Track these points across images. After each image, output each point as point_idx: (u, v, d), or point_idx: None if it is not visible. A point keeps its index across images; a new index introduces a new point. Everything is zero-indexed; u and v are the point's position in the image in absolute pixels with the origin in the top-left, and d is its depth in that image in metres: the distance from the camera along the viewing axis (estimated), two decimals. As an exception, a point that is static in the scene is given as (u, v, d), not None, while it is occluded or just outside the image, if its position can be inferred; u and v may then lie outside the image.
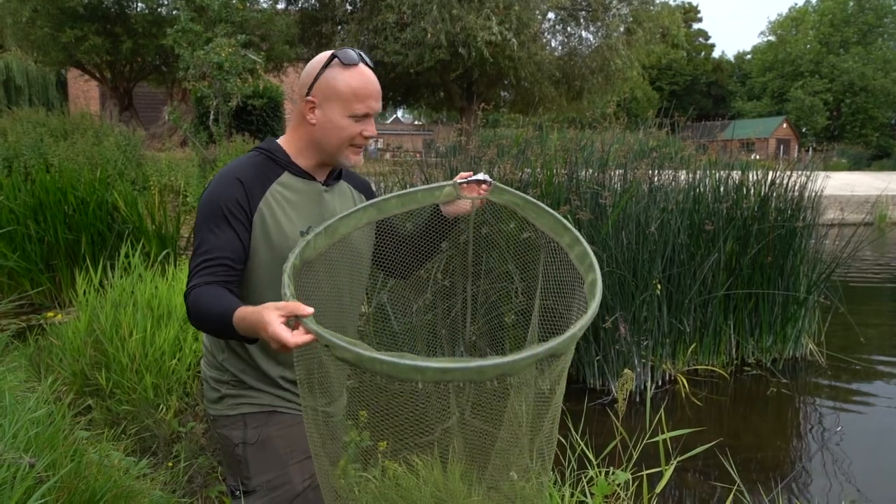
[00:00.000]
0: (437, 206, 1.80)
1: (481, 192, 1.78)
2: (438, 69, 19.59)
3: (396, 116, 60.23)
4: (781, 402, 4.89)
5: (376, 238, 1.82)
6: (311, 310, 1.21)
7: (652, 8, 22.70)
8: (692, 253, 5.22)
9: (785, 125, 46.06)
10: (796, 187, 5.79)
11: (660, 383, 5.09)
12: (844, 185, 17.55)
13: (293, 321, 1.22)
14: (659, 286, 4.82)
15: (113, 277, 3.97)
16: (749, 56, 59.62)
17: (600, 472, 2.39)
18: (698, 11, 59.46)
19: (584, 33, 22.70)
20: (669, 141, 7.10)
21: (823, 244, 5.90)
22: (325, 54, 1.62)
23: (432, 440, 1.35)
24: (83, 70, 19.03)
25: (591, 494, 2.35)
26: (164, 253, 5.61)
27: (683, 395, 4.85)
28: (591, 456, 2.47)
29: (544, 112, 20.44)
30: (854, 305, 6.95)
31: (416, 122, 52.43)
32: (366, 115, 1.62)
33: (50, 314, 4.81)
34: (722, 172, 5.80)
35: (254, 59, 12.79)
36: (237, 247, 1.56)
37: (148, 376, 3.29)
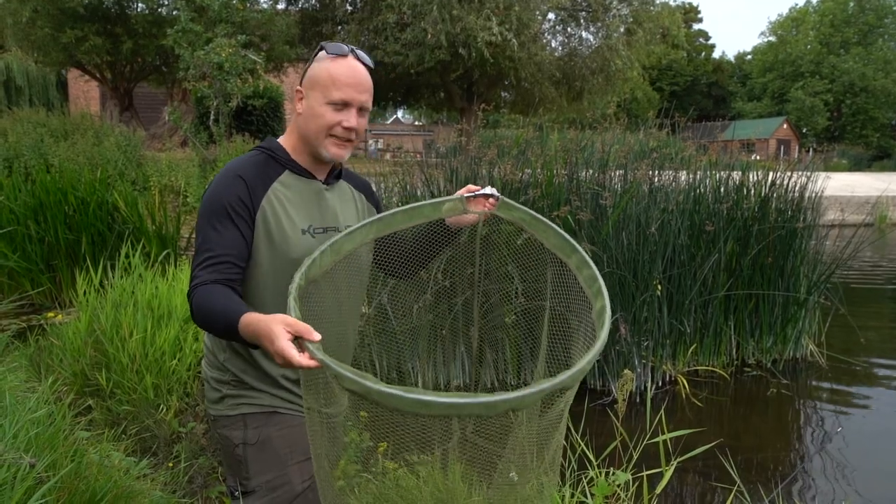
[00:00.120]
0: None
1: (488, 206, 1.74)
2: (439, 70, 19.59)
3: (397, 117, 60.22)
4: (782, 403, 4.89)
5: (377, 238, 1.81)
6: (318, 336, 1.21)
7: (652, 8, 22.69)
8: (692, 253, 5.22)
9: (785, 126, 46.05)
10: (797, 188, 5.79)
11: (660, 384, 5.09)
12: (845, 186, 17.55)
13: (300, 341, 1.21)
14: (659, 287, 4.82)
15: (113, 278, 3.98)
16: (749, 56, 59.62)
17: (600, 472, 2.39)
18: (698, 12, 59.47)
19: (584, 34, 22.70)
20: (670, 141, 7.10)
21: (824, 245, 5.90)
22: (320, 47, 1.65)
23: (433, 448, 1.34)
24: (83, 70, 19.03)
25: (592, 495, 2.35)
26: (164, 253, 5.61)
27: (684, 395, 4.85)
28: (591, 456, 2.47)
29: (544, 112, 20.42)
30: (854, 306, 6.95)
31: (416, 123, 52.41)
32: (345, 105, 1.60)
33: (50, 314, 4.81)
34: (722, 173, 5.80)
35: (254, 59, 12.79)
36: (240, 244, 1.56)
37: (148, 376, 3.29)
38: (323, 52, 1.62)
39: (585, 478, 2.49)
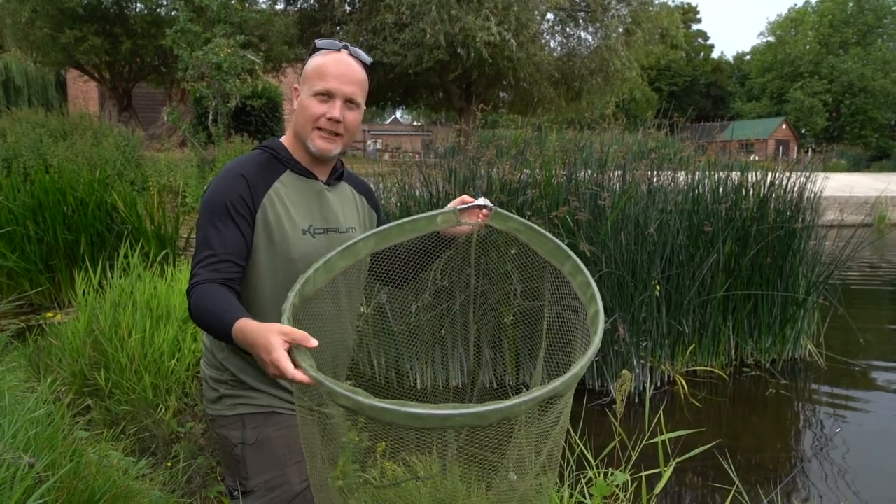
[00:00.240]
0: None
1: (481, 217, 1.75)
2: (437, 70, 19.59)
3: (395, 117, 60.20)
4: (780, 403, 4.89)
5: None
6: (315, 342, 1.22)
7: (651, 9, 22.71)
8: (691, 254, 5.22)
9: (784, 126, 46.07)
10: (795, 188, 5.79)
11: (659, 384, 5.09)
12: (844, 187, 17.57)
13: (297, 346, 1.22)
14: (658, 287, 4.82)
15: (112, 278, 3.98)
16: (748, 57, 59.65)
17: (599, 472, 2.39)
18: (697, 12, 59.53)
19: (582, 34, 22.73)
20: (668, 142, 7.10)
21: (823, 245, 5.90)
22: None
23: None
24: (82, 70, 19.02)
25: (590, 495, 2.35)
26: (163, 253, 5.62)
27: (682, 396, 4.86)
28: (589, 457, 2.47)
29: (543, 113, 20.43)
30: (853, 307, 6.96)
31: (414, 123, 52.41)
32: (329, 95, 1.60)
33: (49, 314, 4.81)
34: (721, 173, 5.81)
35: (252, 59, 12.79)
36: (241, 243, 1.56)
37: (147, 376, 3.29)
38: (317, 49, 1.64)
39: (584, 478, 2.49)
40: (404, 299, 2.04)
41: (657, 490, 2.38)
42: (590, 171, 5.34)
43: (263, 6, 18.27)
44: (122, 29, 17.06)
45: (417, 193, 5.36)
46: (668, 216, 5.09)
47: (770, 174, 5.75)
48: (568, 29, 22.73)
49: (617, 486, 2.32)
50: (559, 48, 22.95)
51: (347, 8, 20.67)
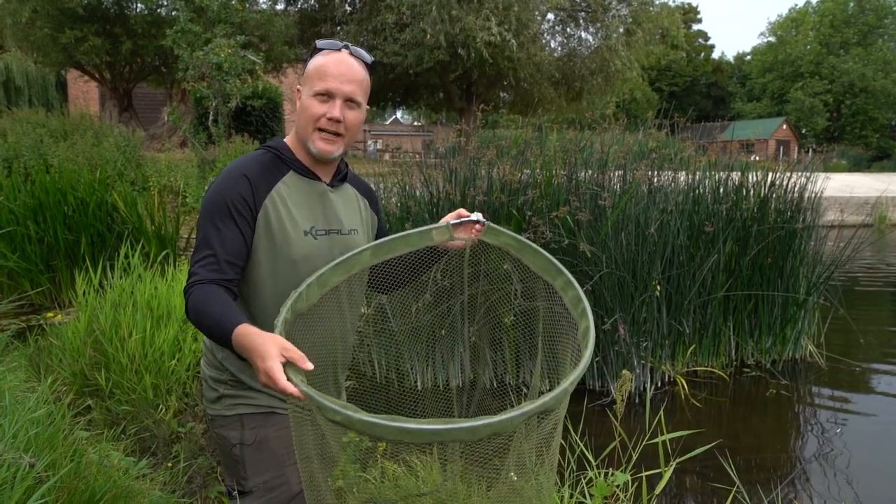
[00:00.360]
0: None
1: (474, 232, 1.75)
2: (438, 70, 19.59)
3: (396, 117, 60.22)
4: (781, 403, 4.89)
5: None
6: (311, 366, 1.23)
7: (651, 9, 22.69)
8: (692, 254, 5.22)
9: (785, 126, 46.06)
10: (796, 189, 5.79)
11: (659, 384, 5.09)
12: (844, 187, 17.56)
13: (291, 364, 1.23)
14: (658, 287, 4.82)
15: (112, 278, 3.98)
16: (749, 57, 59.64)
17: (599, 473, 2.39)
18: (698, 12, 59.51)
19: (583, 34, 22.71)
20: (669, 142, 7.10)
21: (823, 246, 5.90)
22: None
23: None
24: (83, 71, 19.02)
25: (591, 495, 2.35)
26: (163, 253, 5.62)
27: (683, 396, 4.85)
28: (590, 457, 2.47)
29: (544, 113, 20.44)
30: (854, 307, 6.96)
31: (415, 123, 52.44)
32: (329, 95, 1.60)
33: (50, 314, 4.82)
34: (721, 174, 5.80)
35: (253, 59, 12.80)
36: (241, 244, 1.55)
37: (147, 377, 3.29)
38: (318, 49, 1.64)
39: (584, 478, 2.49)
40: (404, 299, 2.04)
41: (657, 490, 2.38)
42: (590, 172, 5.34)
43: (264, 6, 18.27)
44: (123, 29, 17.07)
45: (418, 194, 5.36)
46: (668, 216, 5.09)
47: (771, 174, 5.75)
48: (568, 29, 22.73)
49: (617, 486, 2.32)
50: (560, 48, 22.95)
51: (348, 8, 20.67)
